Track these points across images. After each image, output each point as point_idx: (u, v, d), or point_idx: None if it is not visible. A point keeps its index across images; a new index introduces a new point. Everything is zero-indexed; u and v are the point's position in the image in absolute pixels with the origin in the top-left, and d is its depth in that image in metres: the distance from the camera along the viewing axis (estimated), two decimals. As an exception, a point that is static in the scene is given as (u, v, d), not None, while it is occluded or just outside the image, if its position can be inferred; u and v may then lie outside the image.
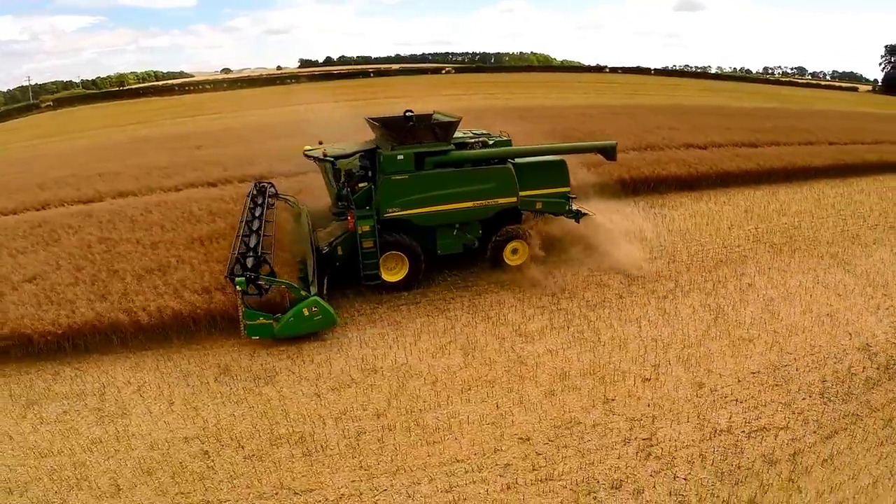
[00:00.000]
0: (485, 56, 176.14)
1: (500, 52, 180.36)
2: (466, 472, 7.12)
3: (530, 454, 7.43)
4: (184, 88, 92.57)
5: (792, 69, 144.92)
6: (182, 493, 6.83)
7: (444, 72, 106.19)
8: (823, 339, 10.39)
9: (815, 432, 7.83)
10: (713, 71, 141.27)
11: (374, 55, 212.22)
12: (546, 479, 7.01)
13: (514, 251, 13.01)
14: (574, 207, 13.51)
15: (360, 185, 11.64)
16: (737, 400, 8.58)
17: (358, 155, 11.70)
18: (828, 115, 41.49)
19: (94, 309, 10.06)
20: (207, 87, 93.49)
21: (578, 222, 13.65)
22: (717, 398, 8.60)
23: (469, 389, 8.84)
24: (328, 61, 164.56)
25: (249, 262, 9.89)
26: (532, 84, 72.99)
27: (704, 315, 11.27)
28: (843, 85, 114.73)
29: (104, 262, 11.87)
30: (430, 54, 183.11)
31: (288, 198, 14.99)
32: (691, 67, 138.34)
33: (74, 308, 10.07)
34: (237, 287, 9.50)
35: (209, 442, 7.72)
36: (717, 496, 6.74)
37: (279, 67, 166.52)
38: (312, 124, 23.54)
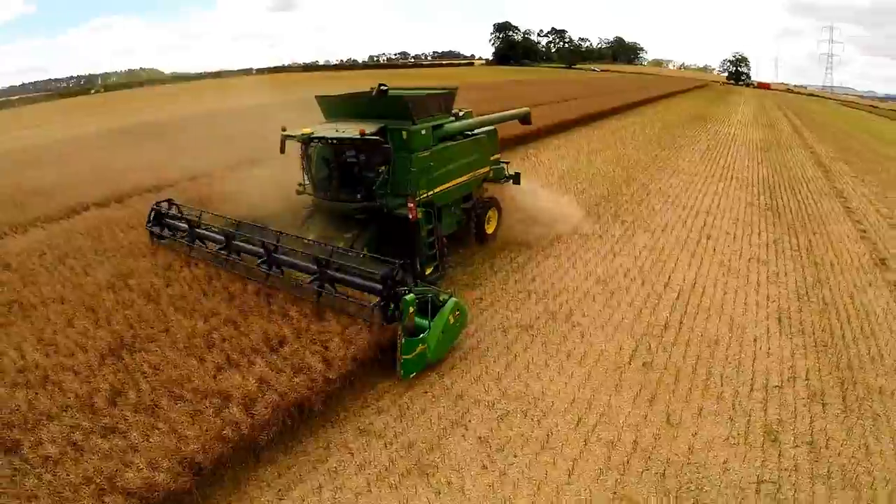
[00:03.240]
0: (91, 78, 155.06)
1: (108, 71, 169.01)
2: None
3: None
4: None
5: (396, 54, 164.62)
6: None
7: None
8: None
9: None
10: (322, 63, 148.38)
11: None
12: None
13: (489, 220, 13.09)
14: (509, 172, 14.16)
15: (381, 167, 10.24)
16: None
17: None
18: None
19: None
20: None
21: (519, 184, 14.27)
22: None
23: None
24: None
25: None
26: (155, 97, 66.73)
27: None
28: (461, 62, 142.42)
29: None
30: (28, 84, 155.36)
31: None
32: (299, 63, 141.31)
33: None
34: (407, 308, 7.60)
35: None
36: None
37: None
38: None
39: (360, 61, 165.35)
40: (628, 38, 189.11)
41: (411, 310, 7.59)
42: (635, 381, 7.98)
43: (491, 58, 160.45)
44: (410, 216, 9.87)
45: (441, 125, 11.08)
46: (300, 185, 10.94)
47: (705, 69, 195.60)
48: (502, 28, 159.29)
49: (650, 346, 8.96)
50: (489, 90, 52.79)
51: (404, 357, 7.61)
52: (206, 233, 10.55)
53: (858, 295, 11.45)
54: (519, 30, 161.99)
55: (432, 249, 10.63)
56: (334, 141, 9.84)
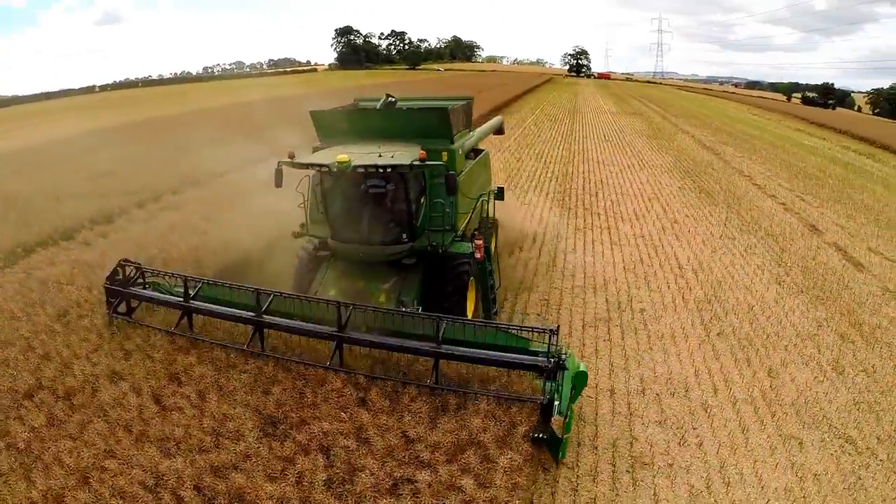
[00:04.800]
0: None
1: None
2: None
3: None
4: None
5: (230, 64, 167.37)
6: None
7: None
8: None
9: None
10: (155, 77, 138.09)
11: None
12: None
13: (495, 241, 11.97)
14: None
15: (422, 198, 8.62)
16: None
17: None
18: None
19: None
20: None
21: (503, 199, 13.75)
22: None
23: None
24: None
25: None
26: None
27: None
28: (305, 69, 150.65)
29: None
30: None
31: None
32: (131, 79, 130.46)
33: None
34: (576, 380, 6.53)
35: None
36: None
37: None
38: None
39: (194, 73, 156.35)
40: (465, 37, 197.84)
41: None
42: (724, 348, 9.54)
43: (333, 62, 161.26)
44: (478, 255, 8.78)
45: (463, 143, 9.97)
46: (302, 226, 9.11)
47: (538, 63, 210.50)
48: (344, 32, 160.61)
49: (711, 317, 10.61)
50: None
51: (566, 436, 6.44)
52: (209, 305, 7.95)
53: (818, 256, 14.15)
54: (361, 33, 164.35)
55: (493, 291, 9.64)
56: (387, 170, 7.64)
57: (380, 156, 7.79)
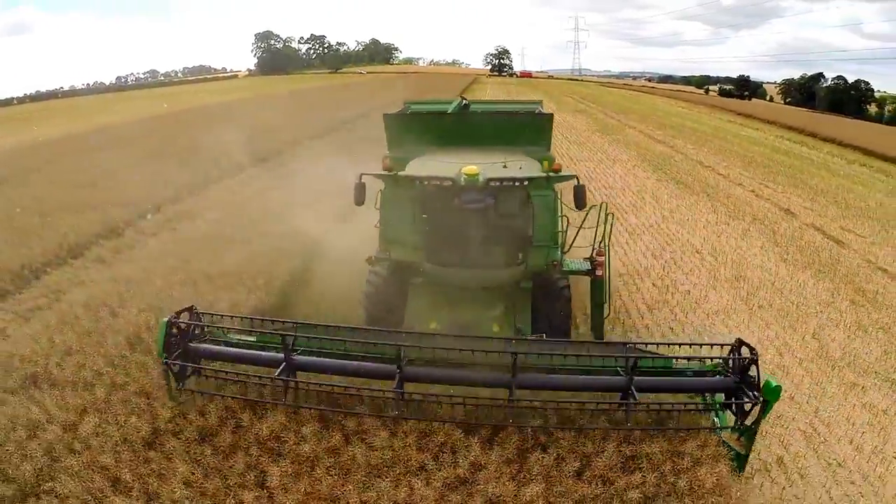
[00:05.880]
0: None
1: None
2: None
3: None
4: None
5: (144, 73, 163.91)
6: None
7: None
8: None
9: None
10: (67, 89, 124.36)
11: None
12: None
13: None
14: None
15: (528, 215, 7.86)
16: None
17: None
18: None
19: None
20: None
21: None
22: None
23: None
24: None
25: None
26: None
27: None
28: (226, 75, 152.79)
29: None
30: None
31: None
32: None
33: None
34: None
35: None
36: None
37: None
38: None
39: (107, 83, 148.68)
40: (383, 40, 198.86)
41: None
42: (770, 319, 11.20)
43: (252, 68, 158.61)
44: (599, 272, 8.41)
45: None
46: (385, 252, 8.27)
47: (454, 63, 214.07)
48: (264, 37, 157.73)
49: (746, 293, 12.28)
50: (302, 100, 53.41)
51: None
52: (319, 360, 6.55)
53: (804, 236, 16.32)
54: (281, 38, 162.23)
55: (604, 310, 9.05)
56: (523, 183, 7.02)
57: (505, 166, 7.03)
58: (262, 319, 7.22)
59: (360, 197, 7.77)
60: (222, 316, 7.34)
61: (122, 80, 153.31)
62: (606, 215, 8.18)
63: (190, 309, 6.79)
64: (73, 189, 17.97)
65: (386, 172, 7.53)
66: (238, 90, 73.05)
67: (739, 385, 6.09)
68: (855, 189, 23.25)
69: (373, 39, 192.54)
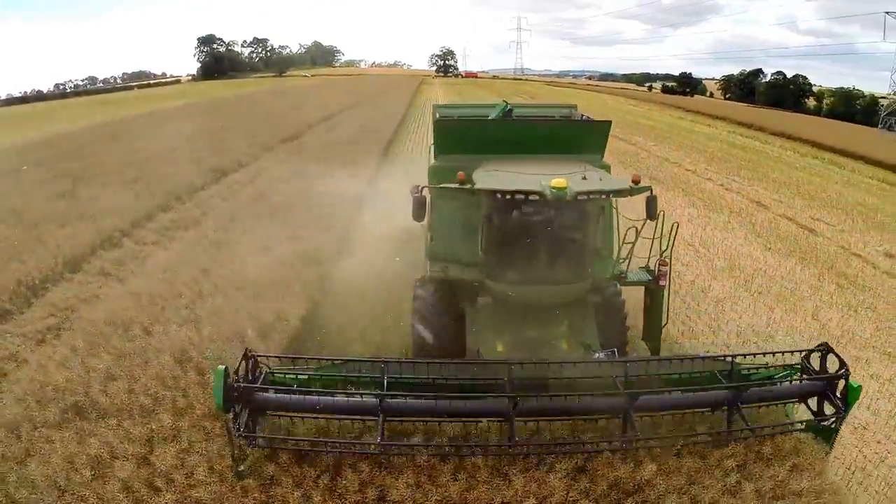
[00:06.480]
0: None
1: None
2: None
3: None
4: None
5: (83, 80, 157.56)
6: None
7: None
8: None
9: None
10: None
11: None
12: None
13: None
14: None
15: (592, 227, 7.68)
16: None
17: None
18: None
19: None
20: None
21: None
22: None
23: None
24: None
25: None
26: None
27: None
28: (168, 81, 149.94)
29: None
30: None
31: None
32: None
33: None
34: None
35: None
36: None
37: None
38: None
39: (45, 91, 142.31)
40: (325, 42, 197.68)
41: None
42: (771, 303, 12.15)
43: (195, 73, 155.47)
44: (662, 282, 8.39)
45: None
46: (442, 265, 7.91)
47: (396, 65, 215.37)
48: (207, 41, 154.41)
49: (744, 281, 13.22)
50: (267, 104, 52.77)
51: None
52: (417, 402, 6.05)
53: (780, 226, 17.61)
54: (224, 41, 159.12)
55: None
56: (608, 195, 7.05)
57: (584, 178, 6.72)
58: (333, 360, 6.61)
59: (420, 213, 7.23)
60: (286, 357, 6.61)
61: (61, 87, 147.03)
62: (672, 225, 8.04)
63: (247, 356, 6.08)
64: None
65: (455, 185, 6.81)
66: (186, 95, 70.94)
67: (826, 389, 6.35)
68: (813, 181, 25.04)
69: (315, 42, 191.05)
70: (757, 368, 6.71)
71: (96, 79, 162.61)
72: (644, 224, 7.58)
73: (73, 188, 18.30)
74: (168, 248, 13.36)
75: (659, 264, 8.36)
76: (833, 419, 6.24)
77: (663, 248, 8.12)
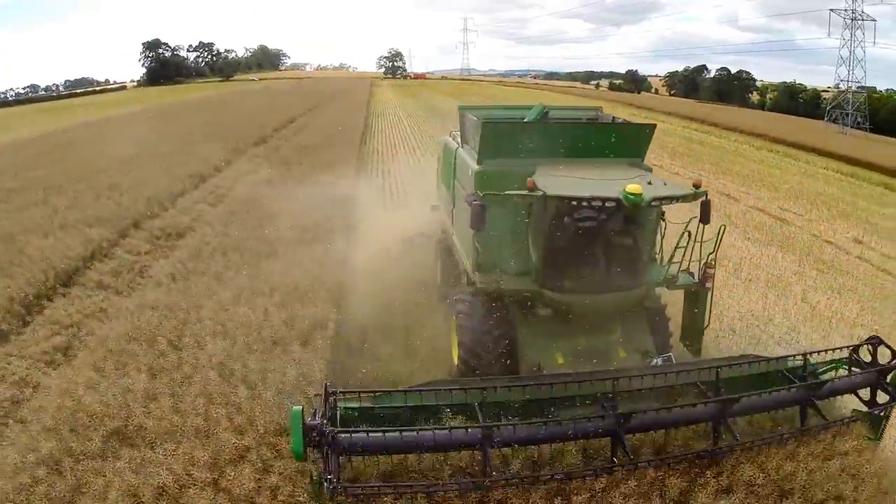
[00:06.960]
0: None
1: None
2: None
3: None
4: None
5: (24, 88, 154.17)
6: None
7: None
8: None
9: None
10: None
11: None
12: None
13: None
14: None
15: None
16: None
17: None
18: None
19: None
20: None
21: None
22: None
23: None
24: None
25: None
26: None
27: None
28: (114, 87, 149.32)
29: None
30: None
31: None
32: None
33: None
34: None
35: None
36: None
37: None
38: None
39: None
40: (271, 46, 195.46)
41: None
42: (762, 289, 12.87)
43: (140, 79, 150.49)
44: (708, 284, 8.31)
45: None
46: (491, 277, 7.54)
47: (342, 67, 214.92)
48: (153, 46, 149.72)
49: (732, 268, 13.94)
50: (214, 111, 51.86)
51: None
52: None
53: (754, 217, 18.61)
54: (170, 46, 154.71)
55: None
56: (678, 200, 6.85)
57: (650, 183, 6.64)
58: (421, 390, 5.80)
59: (480, 220, 6.89)
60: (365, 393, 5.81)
61: (2, 95, 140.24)
62: (720, 227, 7.97)
63: (327, 392, 5.34)
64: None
65: (526, 192, 6.58)
66: (135, 101, 68.59)
67: (879, 378, 6.59)
68: (773, 173, 26.44)
69: (261, 46, 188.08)
70: (814, 365, 6.82)
71: (38, 87, 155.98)
72: (698, 228, 7.69)
73: (45, 197, 17.63)
74: (169, 255, 13.10)
75: (706, 267, 8.23)
76: (884, 408, 6.56)
77: (709, 251, 8.04)
